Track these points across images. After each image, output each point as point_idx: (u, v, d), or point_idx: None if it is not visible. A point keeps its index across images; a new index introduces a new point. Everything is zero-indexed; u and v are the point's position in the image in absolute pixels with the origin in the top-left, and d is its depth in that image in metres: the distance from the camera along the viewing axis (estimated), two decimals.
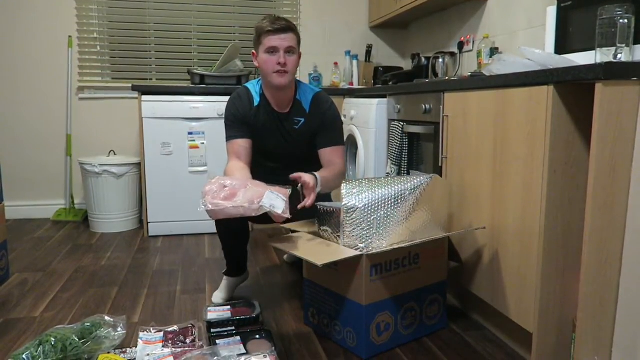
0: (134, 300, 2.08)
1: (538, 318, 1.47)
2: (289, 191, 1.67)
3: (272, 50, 1.85)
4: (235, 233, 1.97)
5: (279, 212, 1.58)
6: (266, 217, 2.10)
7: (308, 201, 1.72)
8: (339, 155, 2.01)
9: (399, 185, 1.64)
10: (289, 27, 1.86)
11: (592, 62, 1.42)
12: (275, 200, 1.59)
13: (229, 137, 1.96)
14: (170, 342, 1.63)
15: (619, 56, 1.41)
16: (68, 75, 3.43)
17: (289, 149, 2.01)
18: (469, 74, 2.40)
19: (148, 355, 1.55)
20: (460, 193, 1.88)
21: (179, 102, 3.03)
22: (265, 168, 2.06)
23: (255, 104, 1.96)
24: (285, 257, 2.64)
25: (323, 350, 1.66)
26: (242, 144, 1.95)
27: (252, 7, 3.66)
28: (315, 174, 1.80)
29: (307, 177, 1.73)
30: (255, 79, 3.62)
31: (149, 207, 3.06)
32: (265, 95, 1.97)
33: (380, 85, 3.44)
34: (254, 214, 1.57)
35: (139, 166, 3.22)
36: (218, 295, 2.04)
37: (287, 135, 1.99)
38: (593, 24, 1.58)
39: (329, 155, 1.99)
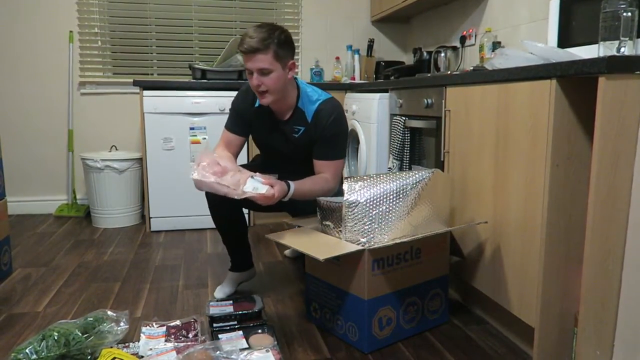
0: (136, 295, 2.08)
1: (540, 312, 1.47)
2: (274, 177, 1.71)
3: (249, 71, 1.77)
4: (231, 222, 1.97)
5: (263, 192, 1.62)
6: (263, 206, 2.11)
7: (255, 195, 1.63)
8: (331, 169, 1.89)
9: (401, 180, 1.64)
10: (256, 49, 1.69)
11: (595, 55, 1.41)
12: (257, 184, 1.64)
13: (227, 126, 1.98)
14: (172, 336, 1.63)
15: (622, 50, 1.40)
16: (69, 71, 3.43)
17: (289, 153, 1.98)
18: (471, 68, 2.39)
19: (151, 349, 1.56)
20: (462, 187, 1.88)
21: (181, 97, 3.02)
22: (265, 162, 2.06)
23: (257, 104, 1.94)
24: (286, 252, 2.64)
25: (325, 345, 1.67)
26: (234, 138, 1.97)
27: (253, 0, 3.64)
28: (290, 182, 1.74)
29: (276, 188, 1.66)
30: None
31: (150, 203, 3.06)
32: None
33: (382, 80, 3.43)
34: (236, 197, 1.60)
35: (141, 161, 3.22)
36: (221, 290, 2.05)
37: (287, 141, 1.96)
38: (596, 17, 1.57)
39: (320, 167, 1.91)
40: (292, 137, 1.93)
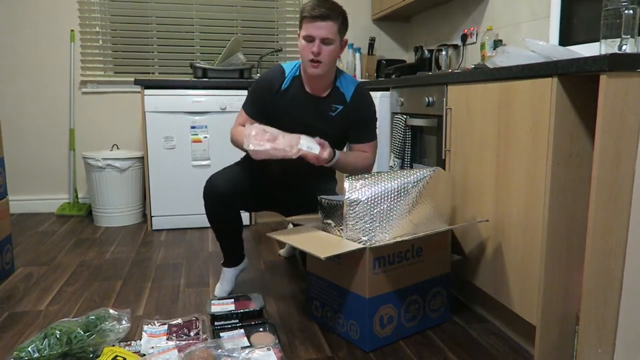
0: (138, 294, 2.09)
1: (541, 311, 1.47)
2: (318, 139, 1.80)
3: (309, 39, 1.78)
4: (227, 217, 1.95)
5: (316, 152, 1.72)
6: (269, 205, 2.10)
7: (308, 156, 1.74)
8: (372, 149, 2.01)
9: (402, 178, 1.64)
10: (328, 15, 1.75)
11: (597, 53, 1.40)
12: (311, 142, 1.74)
13: (245, 107, 1.98)
14: (174, 335, 1.64)
15: (624, 47, 1.40)
16: (70, 70, 3.43)
17: (320, 133, 1.90)
18: (473, 66, 2.39)
19: (152, 348, 1.56)
20: (464, 186, 1.87)
21: (182, 95, 3.02)
22: None
23: (284, 87, 1.91)
24: (280, 251, 2.63)
25: (326, 343, 1.67)
26: (252, 121, 1.93)
27: None
28: (336, 150, 1.85)
29: (326, 149, 1.78)
30: (257, 72, 3.60)
31: (152, 201, 3.07)
32: (302, 78, 1.92)
33: (383, 78, 3.43)
34: (293, 157, 1.70)
35: (142, 160, 3.23)
36: (220, 288, 2.05)
37: (321, 120, 1.93)
38: (597, 14, 1.57)
39: (360, 147, 2.00)
40: (328, 115, 1.93)
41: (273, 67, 1.98)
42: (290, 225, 2.18)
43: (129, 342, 1.62)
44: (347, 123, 1.95)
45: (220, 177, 1.90)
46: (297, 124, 1.92)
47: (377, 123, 2.67)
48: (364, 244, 1.56)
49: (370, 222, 1.59)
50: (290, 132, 1.90)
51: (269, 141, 1.69)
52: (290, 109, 1.93)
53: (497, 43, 2.56)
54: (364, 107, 1.96)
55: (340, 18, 1.79)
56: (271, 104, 1.93)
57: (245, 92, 2.97)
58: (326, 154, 1.76)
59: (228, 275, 2.07)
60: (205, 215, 1.98)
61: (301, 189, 2.00)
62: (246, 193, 1.93)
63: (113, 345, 1.55)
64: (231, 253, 2.06)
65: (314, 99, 1.92)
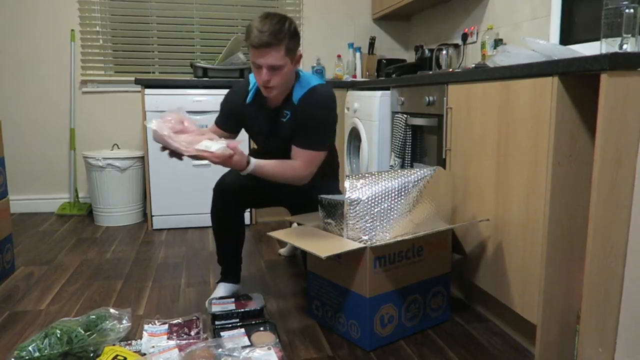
0: (138, 293, 2.09)
1: (542, 310, 1.47)
2: (232, 141, 1.66)
3: (256, 66, 1.70)
4: (232, 226, 1.94)
5: (213, 150, 1.57)
6: (275, 202, 2.09)
7: (193, 152, 1.58)
8: (303, 158, 1.78)
9: (403, 178, 1.64)
10: (269, 43, 1.62)
11: (598, 52, 1.40)
12: (211, 143, 1.61)
13: (217, 120, 2.01)
14: (175, 334, 1.64)
15: (624, 46, 1.40)
16: (71, 69, 3.43)
17: (277, 142, 1.90)
18: (473, 65, 2.39)
19: (153, 347, 1.56)
20: (464, 185, 1.87)
21: (182, 95, 3.02)
22: (259, 155, 2.04)
23: (248, 101, 1.92)
24: (280, 250, 2.63)
25: (327, 342, 1.67)
26: (221, 133, 1.97)
27: None
28: (252, 159, 1.70)
29: (236, 155, 1.64)
30: None
31: (152, 201, 3.07)
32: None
33: (383, 78, 3.43)
34: (186, 155, 1.58)
35: (143, 160, 3.23)
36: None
37: (276, 127, 1.89)
38: (598, 14, 1.57)
39: (294, 153, 1.81)
40: (280, 122, 1.87)
41: (239, 82, 1.99)
42: (293, 225, 2.17)
43: (129, 342, 1.62)
44: (295, 127, 1.82)
45: (228, 176, 1.93)
46: (260, 135, 1.96)
47: (377, 123, 2.67)
48: (364, 244, 1.56)
49: (371, 222, 1.59)
50: (262, 146, 1.97)
51: (172, 130, 1.60)
52: (253, 122, 1.95)
53: (498, 42, 2.56)
54: (308, 109, 1.77)
55: (286, 40, 1.65)
56: (240, 118, 1.96)
57: None
58: (234, 157, 1.62)
59: (224, 292, 2.00)
60: (205, 215, 1.98)
61: (304, 188, 2.00)
62: (252, 190, 1.94)
63: (114, 345, 1.56)
64: (228, 266, 2.00)
65: (272, 109, 1.89)
